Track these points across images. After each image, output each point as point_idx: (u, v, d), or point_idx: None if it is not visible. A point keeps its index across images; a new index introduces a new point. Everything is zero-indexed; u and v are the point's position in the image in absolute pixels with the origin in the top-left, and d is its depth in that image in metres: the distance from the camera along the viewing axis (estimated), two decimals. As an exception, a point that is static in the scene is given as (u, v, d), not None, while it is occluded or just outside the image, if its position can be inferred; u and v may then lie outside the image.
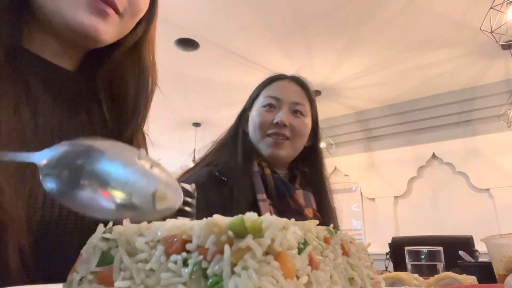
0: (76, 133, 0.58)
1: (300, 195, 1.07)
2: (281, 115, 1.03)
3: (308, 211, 1.05)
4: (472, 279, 0.59)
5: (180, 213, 0.55)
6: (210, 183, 0.97)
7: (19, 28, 0.54)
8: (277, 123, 1.03)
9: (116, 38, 0.60)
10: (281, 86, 1.10)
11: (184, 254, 0.20)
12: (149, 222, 0.24)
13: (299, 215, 1.02)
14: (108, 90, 0.65)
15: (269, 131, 1.04)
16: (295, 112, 1.08)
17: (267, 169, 1.04)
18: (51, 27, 0.54)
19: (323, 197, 1.12)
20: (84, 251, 0.24)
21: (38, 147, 0.51)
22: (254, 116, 1.08)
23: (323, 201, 1.12)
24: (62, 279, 0.25)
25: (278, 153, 1.05)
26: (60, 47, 0.58)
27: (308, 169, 1.15)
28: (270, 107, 1.06)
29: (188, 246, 0.20)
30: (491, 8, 2.04)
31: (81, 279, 0.23)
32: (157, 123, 4.21)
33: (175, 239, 0.21)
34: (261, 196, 0.99)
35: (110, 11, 0.54)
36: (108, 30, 0.56)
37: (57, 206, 0.52)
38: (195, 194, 0.59)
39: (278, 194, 1.02)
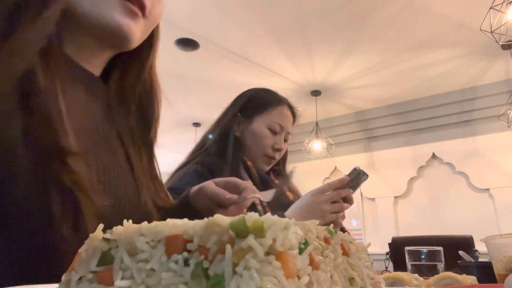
0: (109, 135, 0.59)
1: (278, 183, 1.26)
2: (281, 144, 1.22)
3: (289, 194, 1.22)
4: (472, 279, 0.59)
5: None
6: (198, 176, 1.08)
7: (58, 29, 0.54)
8: (277, 149, 1.21)
9: (140, 41, 0.60)
10: (284, 113, 1.24)
11: (185, 254, 0.20)
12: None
13: (284, 197, 1.20)
14: (137, 97, 0.66)
15: (268, 152, 1.20)
16: (285, 141, 1.26)
17: (249, 162, 1.19)
18: (86, 29, 0.54)
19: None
20: (83, 250, 0.24)
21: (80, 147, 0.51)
22: (259, 132, 1.20)
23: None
24: None
25: (266, 168, 1.24)
26: (90, 52, 0.58)
27: (277, 166, 1.34)
28: (275, 132, 1.21)
29: (189, 246, 0.20)
30: (491, 8, 2.04)
31: (80, 279, 0.23)
32: (157, 123, 4.21)
33: (176, 239, 0.21)
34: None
35: (139, 12, 0.56)
36: (137, 31, 0.57)
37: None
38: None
39: (262, 181, 1.18)
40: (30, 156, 0.43)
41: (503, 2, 2.02)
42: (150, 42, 0.67)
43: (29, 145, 0.43)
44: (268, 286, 0.17)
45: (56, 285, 0.24)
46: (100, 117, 0.59)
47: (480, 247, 1.82)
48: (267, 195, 0.75)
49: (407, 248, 0.89)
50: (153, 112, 0.68)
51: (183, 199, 0.70)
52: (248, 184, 0.66)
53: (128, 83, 0.66)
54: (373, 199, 4.08)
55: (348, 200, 1.03)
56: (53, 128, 0.45)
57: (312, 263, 0.21)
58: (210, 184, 0.66)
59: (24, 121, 0.44)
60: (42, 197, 0.43)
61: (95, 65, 0.61)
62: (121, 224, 0.24)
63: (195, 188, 0.69)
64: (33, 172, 0.43)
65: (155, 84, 0.69)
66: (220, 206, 0.64)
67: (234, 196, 0.64)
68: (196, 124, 4.42)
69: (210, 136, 1.24)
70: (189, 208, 0.67)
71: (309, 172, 4.25)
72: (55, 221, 0.43)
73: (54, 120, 0.46)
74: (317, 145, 3.77)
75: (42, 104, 0.45)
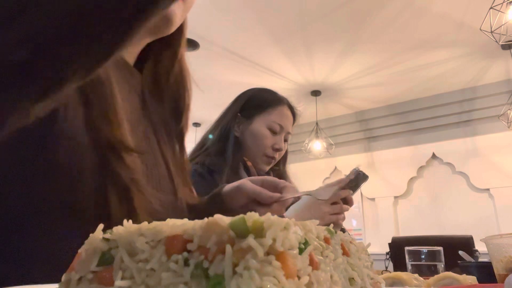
0: (147, 129, 0.58)
1: None
2: (281, 144, 1.22)
3: None
4: (472, 279, 0.59)
5: None
6: (198, 176, 1.09)
7: None
8: (277, 149, 1.21)
9: (178, 25, 0.59)
10: (284, 113, 1.24)
11: (185, 254, 0.20)
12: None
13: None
14: (170, 87, 0.65)
15: (268, 153, 1.21)
16: (285, 141, 1.26)
17: (249, 162, 1.19)
18: None
19: None
20: (83, 251, 0.24)
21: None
22: (259, 132, 1.20)
23: None
24: None
25: (266, 168, 1.24)
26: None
27: (277, 166, 1.34)
28: (275, 132, 1.21)
29: (189, 246, 0.20)
30: (491, 8, 2.04)
31: (80, 279, 0.23)
32: (157, 123, 4.21)
33: (176, 239, 0.21)
34: None
35: None
36: (179, 14, 0.56)
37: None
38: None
39: None
40: (91, 149, 0.42)
41: (503, 2, 2.02)
42: (180, 29, 0.65)
43: (91, 137, 0.42)
44: (268, 286, 0.17)
45: (56, 285, 0.24)
46: (139, 110, 0.57)
47: (480, 247, 1.82)
48: (323, 193, 0.69)
49: (407, 248, 0.89)
50: (184, 101, 0.68)
51: (214, 198, 0.69)
52: (287, 183, 0.66)
53: (162, 72, 0.64)
54: (373, 199, 4.08)
55: (348, 201, 1.03)
56: (110, 121, 0.44)
57: (312, 263, 0.21)
58: (248, 183, 0.65)
59: (84, 111, 0.42)
60: (101, 193, 0.42)
61: (131, 54, 0.59)
62: None
63: (229, 186, 0.68)
64: (94, 166, 0.42)
65: (185, 72, 0.68)
66: (260, 204, 0.64)
67: (276, 194, 0.63)
68: (196, 124, 4.41)
69: (210, 136, 1.24)
70: (222, 207, 0.66)
71: (309, 172, 4.25)
72: (113, 219, 0.42)
73: (111, 112, 0.45)
74: (317, 145, 3.77)
75: (100, 94, 0.44)
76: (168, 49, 0.65)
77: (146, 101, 0.60)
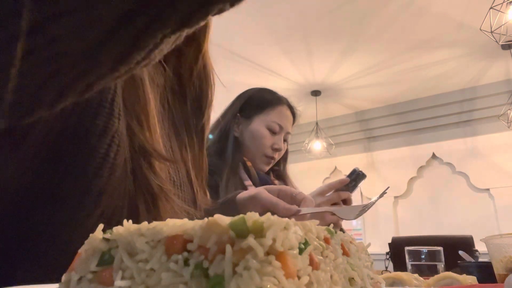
0: (170, 132, 0.55)
1: (277, 183, 1.26)
2: (280, 144, 1.21)
3: None
4: (472, 279, 0.59)
5: None
6: None
7: None
8: (276, 149, 1.20)
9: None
10: (283, 113, 1.24)
11: (185, 254, 0.20)
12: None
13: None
14: (193, 83, 0.61)
15: (267, 153, 1.20)
16: (284, 141, 1.26)
17: (249, 163, 1.19)
18: None
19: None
20: (83, 251, 0.24)
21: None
22: (258, 132, 1.19)
23: None
24: None
25: (266, 168, 1.24)
26: None
27: (277, 167, 1.33)
28: (274, 132, 1.20)
29: (189, 246, 0.20)
30: (491, 8, 2.04)
31: (80, 279, 0.23)
32: (157, 123, 4.21)
33: (176, 239, 0.21)
34: (248, 182, 1.13)
35: None
36: None
37: None
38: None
39: (261, 181, 1.17)
40: (128, 152, 0.40)
41: (503, 2, 2.02)
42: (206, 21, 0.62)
43: (130, 145, 0.41)
44: (268, 286, 0.17)
45: (56, 285, 0.24)
46: (161, 110, 0.54)
47: (480, 247, 1.82)
48: (349, 213, 0.65)
49: (407, 248, 0.89)
50: (207, 98, 0.65)
51: (228, 204, 0.68)
52: (305, 194, 0.65)
53: (185, 68, 0.60)
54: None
55: (347, 202, 1.03)
56: (143, 125, 0.42)
57: (312, 263, 0.21)
58: (264, 192, 0.64)
59: (125, 117, 0.40)
60: (133, 199, 0.41)
61: None
62: None
63: (244, 194, 0.67)
64: (128, 171, 0.40)
65: (209, 67, 0.65)
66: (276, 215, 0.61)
67: (294, 207, 0.61)
68: (196, 124, 4.42)
69: (210, 136, 1.24)
70: (235, 214, 0.63)
71: (309, 172, 4.25)
72: None
73: (144, 116, 0.42)
74: (317, 145, 3.77)
75: (133, 94, 0.42)
76: (192, 43, 0.60)
77: (169, 100, 0.57)
